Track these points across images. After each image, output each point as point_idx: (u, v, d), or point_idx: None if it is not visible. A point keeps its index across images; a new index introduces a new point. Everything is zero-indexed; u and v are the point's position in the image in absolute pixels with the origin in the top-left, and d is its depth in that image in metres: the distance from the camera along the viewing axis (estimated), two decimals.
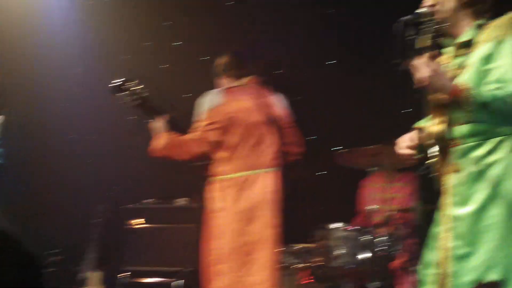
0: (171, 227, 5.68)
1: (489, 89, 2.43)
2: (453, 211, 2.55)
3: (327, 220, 5.11)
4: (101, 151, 6.65)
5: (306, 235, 5.27)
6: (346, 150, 4.79)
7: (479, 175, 2.50)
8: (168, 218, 5.74)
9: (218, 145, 3.97)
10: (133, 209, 6.01)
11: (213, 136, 3.95)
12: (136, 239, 5.85)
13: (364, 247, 4.47)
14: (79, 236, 5.98)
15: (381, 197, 5.00)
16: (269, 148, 4.03)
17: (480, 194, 2.49)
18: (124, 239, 5.92)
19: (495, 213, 2.44)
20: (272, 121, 4.08)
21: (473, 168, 2.51)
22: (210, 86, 4.30)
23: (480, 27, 2.61)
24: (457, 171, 2.55)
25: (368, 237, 4.46)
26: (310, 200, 5.80)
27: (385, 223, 4.65)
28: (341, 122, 6.10)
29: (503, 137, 2.49)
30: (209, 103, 3.99)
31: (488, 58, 2.50)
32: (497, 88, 2.41)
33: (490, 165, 2.48)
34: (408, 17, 2.59)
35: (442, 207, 2.60)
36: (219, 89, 4.11)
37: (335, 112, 6.21)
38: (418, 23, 2.61)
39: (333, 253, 4.52)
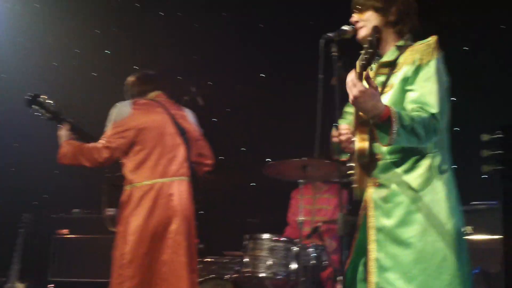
0: (99, 237, 5.58)
1: (411, 111, 2.49)
2: (376, 223, 2.61)
3: (257, 230, 5.15)
4: (27, 159, 6.49)
5: (236, 245, 5.30)
6: (275, 162, 4.83)
7: (398, 191, 2.57)
8: (96, 228, 5.63)
9: (123, 154, 4.10)
10: (61, 218, 5.88)
11: (118, 145, 4.06)
12: (63, 250, 5.72)
13: (293, 257, 4.51)
14: (3, 246, 5.81)
15: (309, 208, 5.07)
16: (180, 158, 4.17)
17: (399, 209, 2.56)
18: (51, 250, 5.78)
19: (413, 228, 2.52)
20: (182, 133, 4.24)
21: (393, 184, 2.59)
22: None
23: (402, 48, 2.67)
24: (378, 185, 2.62)
25: (297, 248, 4.50)
26: (240, 210, 5.83)
27: (313, 234, 4.72)
28: (270, 134, 6.18)
29: (421, 155, 2.57)
30: (118, 114, 4.11)
31: (408, 80, 2.56)
32: (418, 110, 2.48)
33: (408, 182, 2.56)
34: (332, 33, 2.64)
35: (366, 220, 2.66)
36: (129, 100, 4.24)
37: (264, 125, 6.28)
38: (342, 40, 2.68)
39: (262, 263, 4.54)
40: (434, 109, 2.46)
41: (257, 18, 6.48)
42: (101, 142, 4.05)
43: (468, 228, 4.31)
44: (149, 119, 4.16)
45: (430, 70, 2.52)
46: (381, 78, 2.67)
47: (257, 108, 6.38)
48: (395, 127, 2.36)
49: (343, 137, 2.66)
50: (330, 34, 2.64)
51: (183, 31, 6.63)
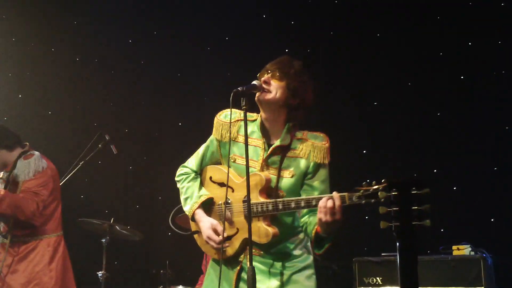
0: None
1: None
2: (259, 286, 2.71)
3: (171, 282, 5.05)
4: None
5: None
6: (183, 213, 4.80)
7: (283, 259, 2.79)
8: None
9: (44, 204, 4.13)
10: None
11: (45, 196, 4.10)
12: None
13: None
14: None
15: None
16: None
17: (285, 272, 2.77)
18: None
19: (298, 286, 2.76)
20: None
21: (277, 253, 2.78)
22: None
23: (293, 133, 2.81)
24: (261, 255, 2.78)
25: None
26: (155, 261, 5.72)
27: None
28: None
29: (299, 230, 2.85)
30: (39, 164, 4.13)
31: (307, 175, 2.80)
32: None
33: (290, 251, 2.81)
34: (242, 87, 2.67)
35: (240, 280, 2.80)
36: (37, 153, 4.23)
37: None
38: (251, 94, 2.72)
39: None
40: None
41: (174, 67, 6.50)
42: (30, 194, 4.01)
43: (378, 279, 4.41)
44: (54, 172, 4.25)
45: (325, 173, 2.81)
46: (274, 158, 2.79)
47: (174, 157, 6.33)
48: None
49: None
50: (239, 88, 2.67)
51: (100, 77, 6.57)
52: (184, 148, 6.23)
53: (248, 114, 2.79)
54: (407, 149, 5.42)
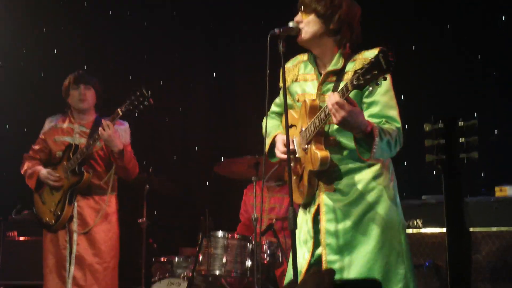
0: None
1: (381, 125, 2.53)
2: (329, 227, 2.64)
3: (211, 228, 5.12)
4: None
5: (190, 244, 5.27)
6: (225, 160, 4.83)
7: (356, 196, 2.63)
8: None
9: None
10: (11, 220, 5.75)
11: None
12: (12, 252, 5.60)
13: (248, 255, 4.49)
14: None
15: (261, 206, 5.04)
16: None
17: (357, 212, 2.62)
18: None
19: (372, 229, 2.60)
20: None
21: (350, 189, 2.63)
22: None
23: (346, 56, 2.67)
24: (333, 191, 2.65)
25: (251, 245, 4.48)
26: (194, 209, 5.78)
27: (267, 231, 4.70)
28: (223, 133, 6.17)
29: (379, 163, 2.65)
30: (128, 134, 4.48)
31: (363, 92, 2.58)
32: (385, 124, 2.54)
33: (365, 186, 2.62)
34: (278, 30, 2.62)
35: (318, 221, 2.69)
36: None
37: (217, 123, 6.27)
38: (286, 37, 2.65)
39: (217, 261, 4.51)
40: (398, 123, 2.57)
41: (208, 17, 6.45)
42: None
43: (418, 222, 4.39)
44: None
45: (386, 84, 2.55)
46: (329, 86, 2.68)
47: (209, 107, 6.36)
48: (377, 142, 2.43)
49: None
50: (276, 30, 2.62)
51: (133, 31, 6.56)
52: (218, 98, 6.30)
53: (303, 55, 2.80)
54: (445, 93, 5.31)
